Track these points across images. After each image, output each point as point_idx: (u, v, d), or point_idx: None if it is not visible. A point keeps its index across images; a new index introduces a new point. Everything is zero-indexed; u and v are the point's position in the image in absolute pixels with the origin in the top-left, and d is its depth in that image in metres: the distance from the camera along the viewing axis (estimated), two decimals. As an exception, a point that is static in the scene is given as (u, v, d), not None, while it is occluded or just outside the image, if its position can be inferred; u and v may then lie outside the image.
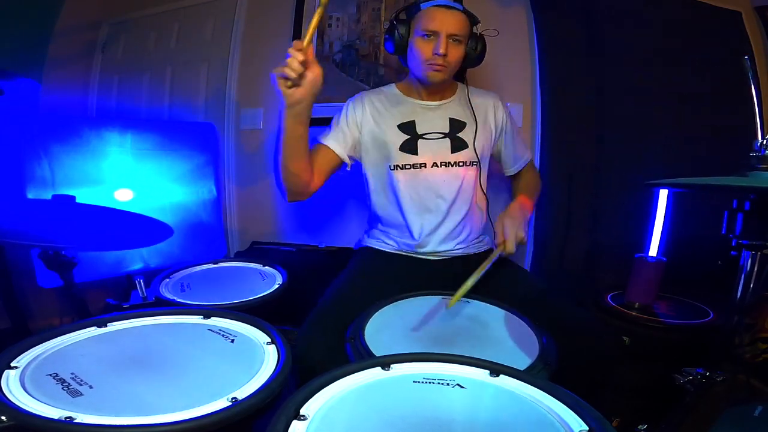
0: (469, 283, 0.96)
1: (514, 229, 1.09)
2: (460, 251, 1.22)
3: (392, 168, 1.19)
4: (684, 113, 1.52)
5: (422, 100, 1.23)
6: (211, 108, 2.03)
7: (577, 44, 1.55)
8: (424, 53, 1.11)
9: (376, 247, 1.25)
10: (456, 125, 1.21)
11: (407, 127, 1.19)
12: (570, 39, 1.55)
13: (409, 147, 1.18)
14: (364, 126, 1.20)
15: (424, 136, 1.19)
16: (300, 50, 0.87)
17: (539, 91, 1.60)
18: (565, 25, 1.55)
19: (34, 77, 1.92)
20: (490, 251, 1.27)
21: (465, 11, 1.11)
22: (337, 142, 1.18)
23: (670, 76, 1.52)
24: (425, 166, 1.18)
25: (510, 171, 1.34)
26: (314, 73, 0.92)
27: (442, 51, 1.08)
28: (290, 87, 0.90)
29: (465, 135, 1.21)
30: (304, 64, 0.89)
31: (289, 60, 0.88)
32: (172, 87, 2.11)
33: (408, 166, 1.18)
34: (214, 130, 1.88)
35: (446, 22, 1.08)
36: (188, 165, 1.70)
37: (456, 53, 1.11)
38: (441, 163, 1.18)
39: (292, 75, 0.88)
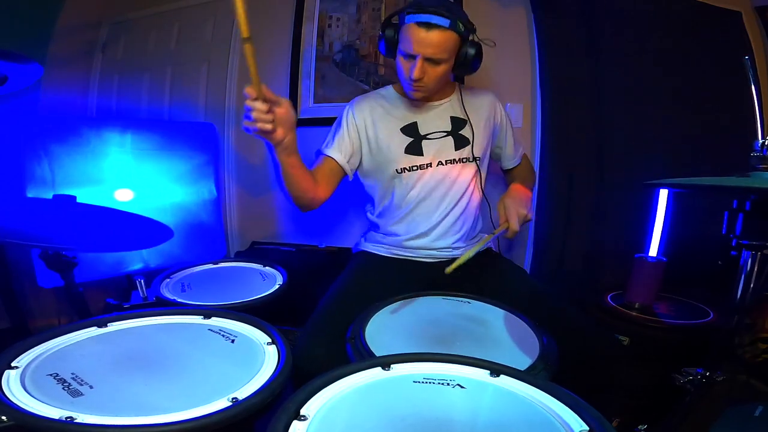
0: (470, 253, 0.96)
1: (515, 208, 1.07)
2: (458, 251, 1.22)
3: (399, 171, 1.18)
4: (684, 113, 1.52)
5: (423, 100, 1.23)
6: (211, 108, 2.03)
7: (577, 44, 1.55)
8: (405, 72, 1.09)
9: (375, 252, 1.25)
10: (457, 123, 1.22)
11: (410, 129, 1.20)
12: (570, 39, 1.55)
13: (414, 149, 1.18)
14: (366, 132, 1.20)
15: (428, 136, 1.19)
16: (257, 98, 0.83)
17: (539, 91, 1.60)
18: (565, 25, 1.55)
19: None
20: (488, 249, 1.28)
21: (451, 26, 1.01)
22: (340, 152, 1.18)
23: (670, 76, 1.52)
24: (430, 166, 1.18)
25: (509, 165, 1.37)
26: (283, 108, 0.88)
27: (415, 76, 1.04)
28: (270, 132, 0.88)
29: (466, 132, 1.22)
30: (268, 106, 0.85)
31: (253, 113, 0.84)
32: (172, 87, 2.11)
33: (415, 168, 1.18)
34: (214, 130, 1.88)
35: (423, 44, 1.02)
36: (188, 165, 1.70)
37: (434, 73, 1.07)
38: (446, 161, 1.19)
39: (267, 127, 0.86)
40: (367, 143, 1.20)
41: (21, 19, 1.84)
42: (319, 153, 1.20)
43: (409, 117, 1.21)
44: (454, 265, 0.94)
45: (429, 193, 1.19)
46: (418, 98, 1.15)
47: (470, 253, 0.97)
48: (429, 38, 1.01)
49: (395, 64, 1.13)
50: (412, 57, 1.05)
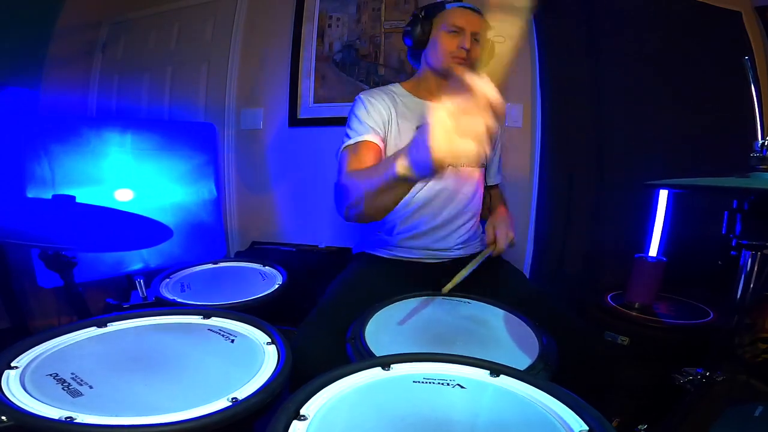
0: (464, 272, 1.02)
1: (504, 230, 1.17)
2: (458, 253, 1.22)
3: None
4: (684, 113, 1.52)
5: (435, 101, 1.21)
6: (211, 108, 2.03)
7: (577, 44, 1.55)
8: (448, 46, 1.13)
9: (375, 254, 1.24)
10: None
11: None
12: (570, 39, 1.55)
13: None
14: (389, 123, 1.14)
15: None
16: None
17: (539, 91, 1.60)
18: (565, 25, 1.56)
19: (34, 78, 1.92)
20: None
21: (483, 17, 1.14)
22: (377, 135, 1.10)
23: (670, 76, 1.52)
24: None
25: (490, 181, 1.34)
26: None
27: (467, 45, 1.11)
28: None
29: None
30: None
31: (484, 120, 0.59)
32: (172, 87, 2.11)
33: None
34: (214, 130, 1.88)
35: (471, 21, 1.13)
36: (188, 165, 1.70)
37: (476, 51, 1.15)
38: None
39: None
40: (384, 135, 1.14)
41: (21, 19, 1.84)
42: (342, 153, 1.09)
43: (423, 117, 1.17)
44: (450, 285, 1.01)
45: (434, 196, 1.18)
46: (457, 71, 1.12)
47: (464, 271, 1.03)
48: (474, 16, 1.14)
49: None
50: (458, 32, 1.12)
